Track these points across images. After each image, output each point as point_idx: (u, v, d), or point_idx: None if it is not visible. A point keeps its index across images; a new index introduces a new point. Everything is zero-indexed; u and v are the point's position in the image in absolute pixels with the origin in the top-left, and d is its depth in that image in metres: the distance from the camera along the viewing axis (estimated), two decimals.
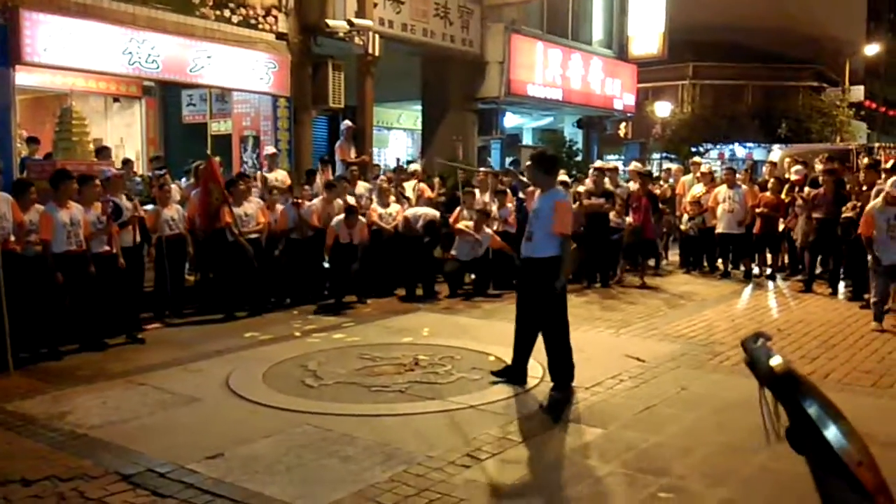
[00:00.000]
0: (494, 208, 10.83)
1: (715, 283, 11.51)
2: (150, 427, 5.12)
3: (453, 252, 10.26)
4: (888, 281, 8.21)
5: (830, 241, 10.22)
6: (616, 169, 13.07)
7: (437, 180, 12.58)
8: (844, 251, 10.05)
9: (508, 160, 18.66)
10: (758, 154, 30.68)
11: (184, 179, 10.86)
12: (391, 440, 4.78)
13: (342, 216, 9.45)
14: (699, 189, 12.50)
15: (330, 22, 12.26)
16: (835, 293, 10.30)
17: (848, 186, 10.57)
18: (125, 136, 14.92)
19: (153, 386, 6.03)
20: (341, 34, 12.39)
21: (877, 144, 20.79)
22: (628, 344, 7.48)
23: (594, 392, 5.85)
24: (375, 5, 12.98)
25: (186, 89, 14.41)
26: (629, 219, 11.24)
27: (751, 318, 8.87)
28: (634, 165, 13.85)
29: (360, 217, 9.64)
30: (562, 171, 10.90)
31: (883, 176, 9.82)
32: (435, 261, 10.53)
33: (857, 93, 33.53)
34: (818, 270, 10.96)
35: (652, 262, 12.05)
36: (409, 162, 16.07)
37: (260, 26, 12.06)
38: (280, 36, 12.35)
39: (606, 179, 11.40)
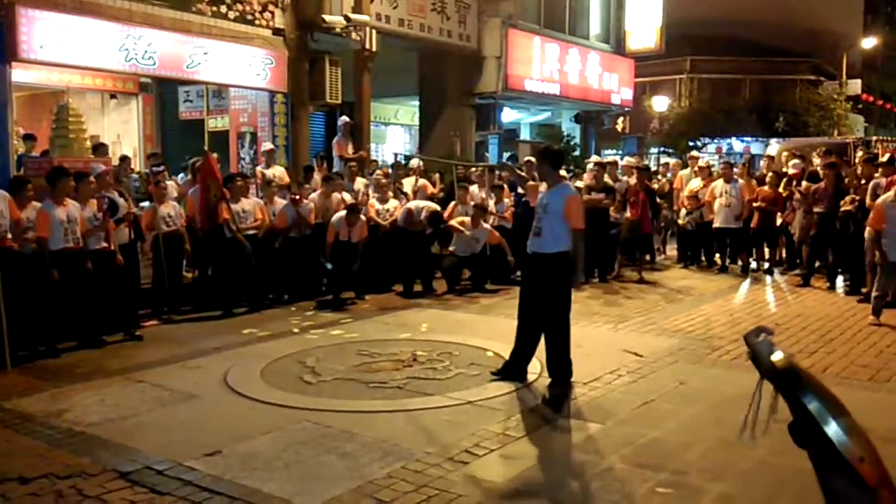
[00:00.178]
0: (491, 203, 10.83)
1: (713, 277, 11.52)
2: (148, 424, 5.12)
3: (451, 248, 10.26)
4: (894, 277, 8.16)
5: (831, 235, 10.22)
6: (616, 163, 13.07)
7: (436, 176, 12.57)
8: (842, 245, 10.06)
9: (506, 155, 18.65)
10: (755, 148, 30.64)
11: (181, 175, 10.84)
12: (389, 436, 4.78)
13: (343, 213, 9.44)
14: (697, 183, 12.50)
15: (327, 17, 12.24)
16: (833, 287, 10.31)
17: (846, 180, 10.57)
18: (122, 132, 14.88)
19: (151, 383, 6.02)
20: (338, 29, 12.36)
21: (874, 138, 20.81)
22: (626, 339, 7.48)
23: (592, 387, 5.85)
24: (372, 0, 12.95)
25: (183, 86, 14.36)
26: (627, 213, 11.23)
27: (749, 312, 8.88)
28: (627, 161, 13.85)
29: (361, 216, 9.64)
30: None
31: (880, 170, 9.82)
32: (433, 257, 10.53)
33: (855, 86, 33.51)
34: (817, 265, 10.96)
35: (647, 257, 12.05)
36: (407, 158, 16.05)
37: (256, 22, 12.03)
38: (277, 31, 12.32)
39: (606, 175, 11.40)
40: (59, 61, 10.09)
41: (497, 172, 11.84)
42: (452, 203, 10.76)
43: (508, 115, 20.04)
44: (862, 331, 7.81)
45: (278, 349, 7.07)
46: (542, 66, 17.50)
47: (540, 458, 4.59)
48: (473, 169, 12.29)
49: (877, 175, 9.73)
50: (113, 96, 14.80)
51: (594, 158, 15.31)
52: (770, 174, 12.06)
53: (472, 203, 10.53)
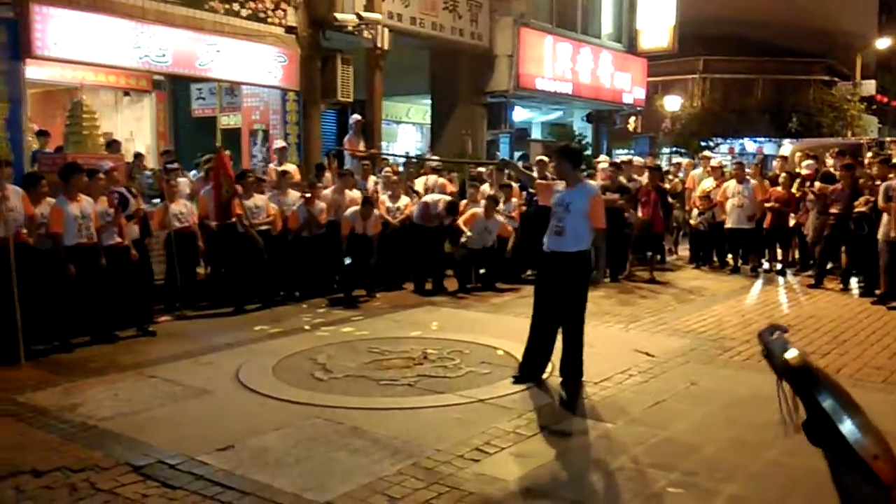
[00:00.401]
0: (501, 205, 10.81)
1: (725, 278, 11.47)
2: (161, 419, 5.15)
3: (463, 240, 10.21)
4: None
5: (846, 236, 10.16)
6: (631, 162, 13.01)
7: (453, 175, 12.56)
8: (856, 246, 9.99)
9: (517, 154, 18.62)
10: (768, 148, 30.48)
11: (193, 172, 10.89)
12: (400, 433, 4.79)
13: (356, 207, 9.47)
14: (709, 183, 12.45)
15: (339, 15, 12.25)
16: (846, 289, 10.25)
17: (861, 181, 10.50)
18: (135, 129, 14.96)
19: (164, 378, 6.06)
20: (350, 28, 12.37)
21: (888, 139, 20.67)
22: (637, 339, 7.46)
23: (603, 387, 5.84)
24: None
25: (196, 83, 14.42)
26: (638, 213, 11.20)
27: (761, 313, 8.84)
28: (637, 161, 13.81)
29: (375, 210, 9.65)
30: None
31: (894, 172, 9.75)
32: (444, 255, 10.52)
33: (869, 87, 33.27)
34: (829, 266, 10.90)
35: (658, 257, 12.02)
36: (418, 157, 16.06)
37: (269, 20, 12.06)
38: (289, 30, 12.34)
39: (621, 175, 11.38)
40: (72, 58, 10.14)
41: (506, 171, 11.81)
42: (464, 202, 10.75)
43: (520, 114, 20.01)
44: (875, 332, 7.76)
45: (290, 346, 7.09)
46: (554, 65, 17.46)
47: (551, 456, 4.57)
48: (483, 168, 12.26)
49: (891, 176, 9.66)
50: (126, 93, 14.87)
51: (604, 158, 15.30)
52: (783, 175, 12.01)
53: (486, 194, 10.50)
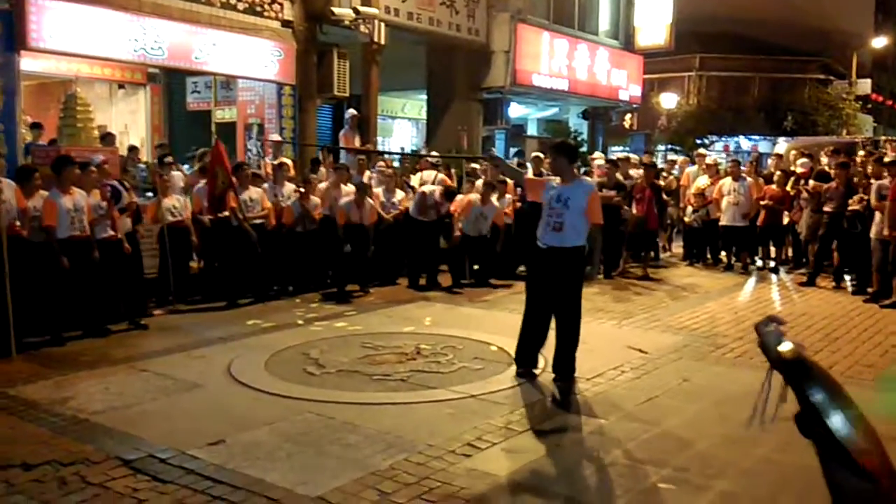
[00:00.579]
0: (494, 197, 10.79)
1: (718, 275, 11.49)
2: (152, 413, 5.14)
3: (459, 225, 10.18)
4: None
5: (839, 235, 10.18)
6: (628, 159, 13.01)
7: (453, 171, 12.54)
8: (849, 244, 10.02)
9: (513, 151, 18.61)
10: (763, 146, 30.52)
11: (186, 166, 10.85)
12: (392, 429, 4.79)
13: (351, 196, 9.48)
14: (704, 181, 12.46)
15: (335, 10, 12.23)
16: (839, 287, 10.27)
17: (855, 179, 10.53)
18: (129, 122, 14.93)
19: (155, 372, 6.04)
20: (347, 22, 12.35)
21: (883, 138, 20.71)
22: (630, 335, 7.47)
23: (596, 383, 5.85)
24: None
25: (191, 76, 14.39)
26: (633, 210, 11.21)
27: (753, 310, 8.85)
28: (633, 158, 13.79)
29: (369, 199, 9.64)
30: None
31: (886, 171, 9.75)
32: (439, 250, 10.51)
33: (864, 86, 33.30)
34: (823, 263, 10.91)
35: (652, 254, 12.02)
36: (415, 152, 16.05)
37: (265, 14, 12.02)
38: (285, 23, 12.31)
39: (618, 172, 11.38)
40: (67, 50, 10.10)
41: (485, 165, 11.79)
42: (460, 197, 10.72)
43: (516, 111, 20.01)
44: (867, 330, 7.78)
45: (283, 340, 7.08)
46: (551, 61, 17.45)
47: (542, 452, 4.58)
48: (477, 165, 12.25)
49: (884, 175, 9.67)
50: (121, 86, 14.84)
51: (599, 155, 15.29)
52: (778, 173, 12.02)
53: (483, 180, 10.50)
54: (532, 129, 22.69)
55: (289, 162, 11.31)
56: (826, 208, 10.36)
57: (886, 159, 10.21)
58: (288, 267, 9.46)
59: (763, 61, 32.73)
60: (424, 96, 17.68)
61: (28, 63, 10.50)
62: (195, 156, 10.54)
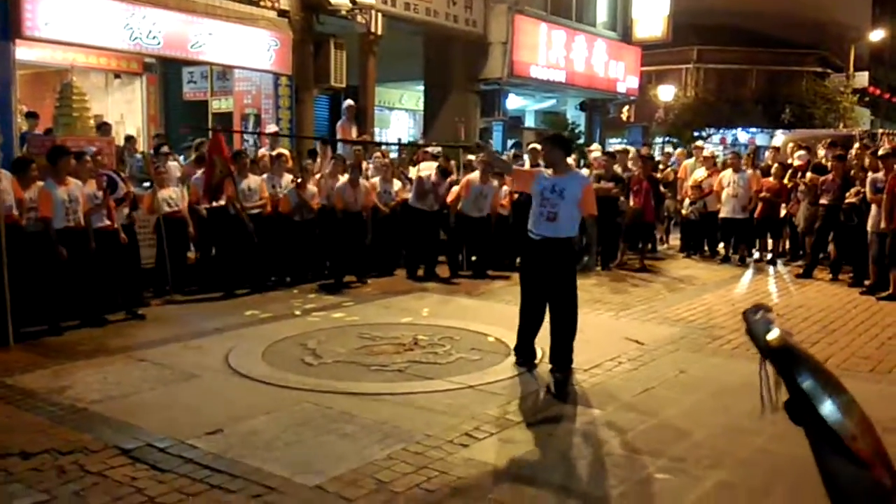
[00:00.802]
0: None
1: (715, 267, 11.51)
2: (150, 402, 5.14)
3: (459, 206, 10.17)
4: None
5: (836, 227, 10.21)
6: (626, 151, 13.02)
7: (452, 162, 12.52)
8: (846, 237, 10.04)
9: (510, 142, 18.60)
10: (760, 139, 30.57)
11: (182, 156, 10.82)
12: (389, 419, 4.80)
13: (345, 179, 9.50)
14: (701, 173, 12.47)
15: (332, 0, 12.18)
16: (835, 279, 10.30)
17: (852, 172, 10.54)
18: (126, 112, 14.86)
19: (153, 362, 6.04)
20: (344, 12, 12.32)
21: (880, 130, 20.72)
22: (627, 327, 7.49)
23: (593, 374, 5.86)
24: None
25: (187, 66, 14.33)
26: (630, 202, 11.21)
27: (750, 302, 8.78)
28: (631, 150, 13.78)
29: (363, 182, 9.62)
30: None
31: (881, 164, 9.76)
32: (437, 241, 10.51)
33: (862, 79, 33.34)
34: (820, 256, 10.95)
35: (649, 246, 12.05)
36: (412, 143, 16.02)
37: (262, 3, 11.98)
38: (282, 13, 12.26)
39: (616, 164, 11.39)
40: (63, 39, 10.07)
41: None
42: (456, 188, 10.71)
43: (513, 102, 19.97)
44: (864, 322, 7.81)
45: (280, 331, 7.08)
46: (549, 52, 17.42)
47: (539, 442, 4.60)
48: (473, 157, 12.23)
49: (881, 167, 9.67)
50: (117, 76, 14.77)
51: (596, 147, 15.29)
52: (775, 165, 12.03)
53: (481, 158, 10.49)
54: (530, 121, 22.67)
55: (286, 152, 11.28)
56: (823, 201, 10.39)
57: (880, 152, 10.23)
58: (285, 257, 9.45)
59: (760, 54, 32.74)
60: (422, 87, 17.64)
61: (23, 52, 10.45)
62: (192, 147, 10.51)
